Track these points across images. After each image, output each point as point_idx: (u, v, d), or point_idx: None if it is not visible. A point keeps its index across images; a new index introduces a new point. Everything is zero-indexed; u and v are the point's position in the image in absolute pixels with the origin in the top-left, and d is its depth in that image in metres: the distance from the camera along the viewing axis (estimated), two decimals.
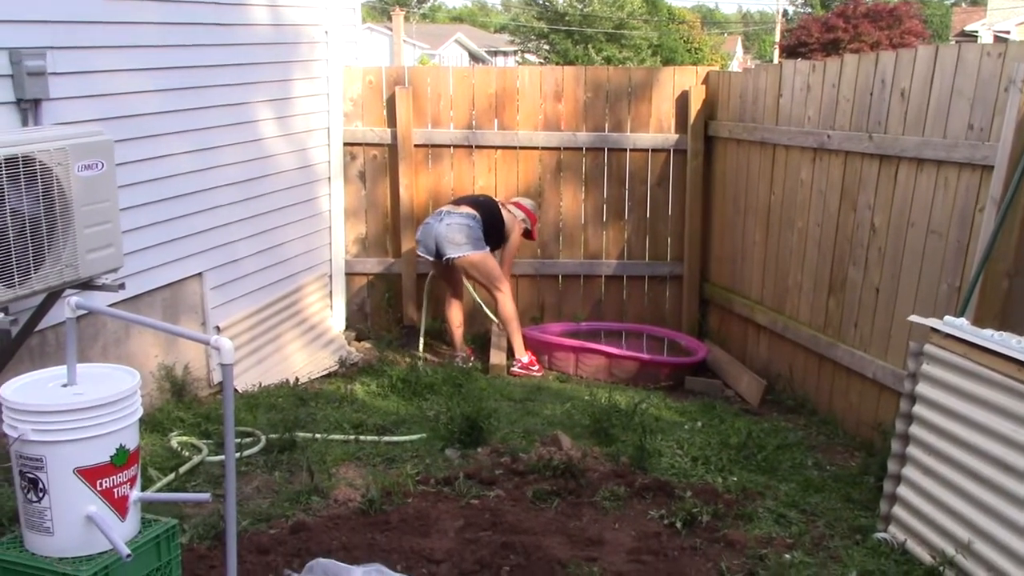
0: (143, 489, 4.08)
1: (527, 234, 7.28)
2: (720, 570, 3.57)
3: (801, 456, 5.15)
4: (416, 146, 7.51)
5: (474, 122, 7.56)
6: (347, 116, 7.47)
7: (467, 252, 6.73)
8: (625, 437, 5.00)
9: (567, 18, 46.40)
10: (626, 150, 7.56)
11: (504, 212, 7.09)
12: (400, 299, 7.67)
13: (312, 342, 7.04)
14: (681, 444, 5.04)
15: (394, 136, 7.45)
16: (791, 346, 6.36)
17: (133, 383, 2.94)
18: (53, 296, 4.31)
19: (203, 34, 5.77)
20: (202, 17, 5.78)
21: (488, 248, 6.90)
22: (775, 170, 6.52)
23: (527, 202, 7.32)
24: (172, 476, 4.28)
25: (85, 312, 3.21)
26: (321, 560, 3.48)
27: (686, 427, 5.47)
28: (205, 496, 2.87)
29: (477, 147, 7.58)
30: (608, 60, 41.06)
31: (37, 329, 4.53)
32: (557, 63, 39.58)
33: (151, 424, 5.19)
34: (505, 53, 52.09)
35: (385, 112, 7.51)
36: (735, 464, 4.80)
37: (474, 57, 49.61)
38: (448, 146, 7.58)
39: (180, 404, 5.48)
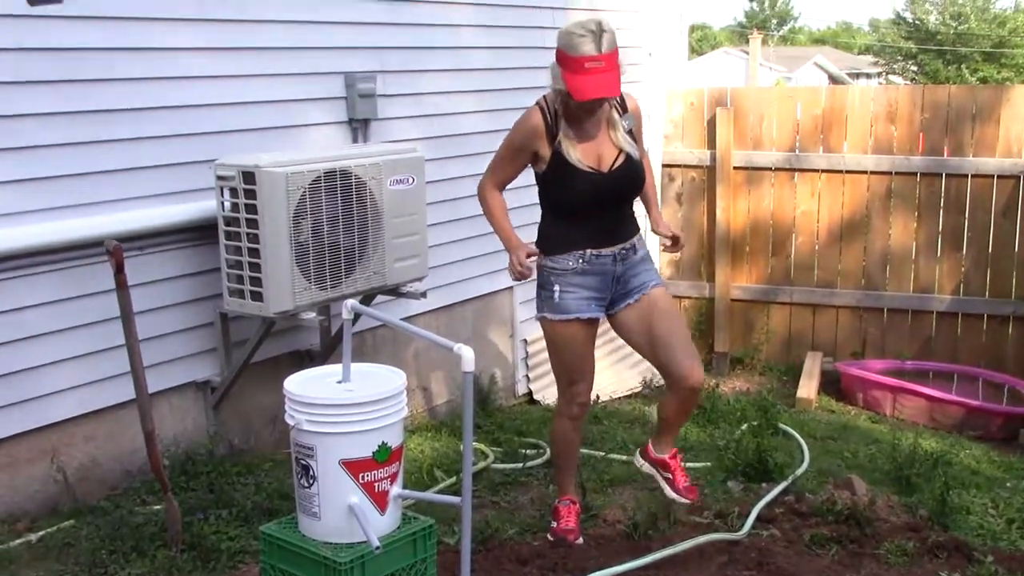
0: (427, 489, 4.33)
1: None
2: None
3: None
4: (735, 168, 7.34)
5: (798, 145, 7.27)
6: (667, 138, 7.46)
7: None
8: (929, 488, 4.55)
9: (939, 37, 43.28)
10: (967, 175, 6.93)
11: None
12: (711, 325, 7.51)
13: (619, 361, 7.07)
14: (997, 503, 4.50)
15: (713, 158, 7.34)
16: None
17: (399, 384, 3.10)
18: (364, 300, 4.66)
19: (524, 56, 6.00)
20: (524, 41, 6.03)
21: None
22: None
23: None
24: (453, 479, 4.48)
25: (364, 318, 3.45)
26: None
27: (1007, 485, 4.88)
28: (455, 499, 2.97)
29: (800, 170, 7.27)
30: (983, 81, 37.84)
31: (355, 332, 4.93)
32: (926, 84, 37.07)
33: (452, 428, 5.47)
34: (868, 75, 49.51)
35: (705, 133, 7.42)
36: None
37: (833, 79, 47.59)
38: (769, 169, 7.34)
39: (482, 412, 5.72)
